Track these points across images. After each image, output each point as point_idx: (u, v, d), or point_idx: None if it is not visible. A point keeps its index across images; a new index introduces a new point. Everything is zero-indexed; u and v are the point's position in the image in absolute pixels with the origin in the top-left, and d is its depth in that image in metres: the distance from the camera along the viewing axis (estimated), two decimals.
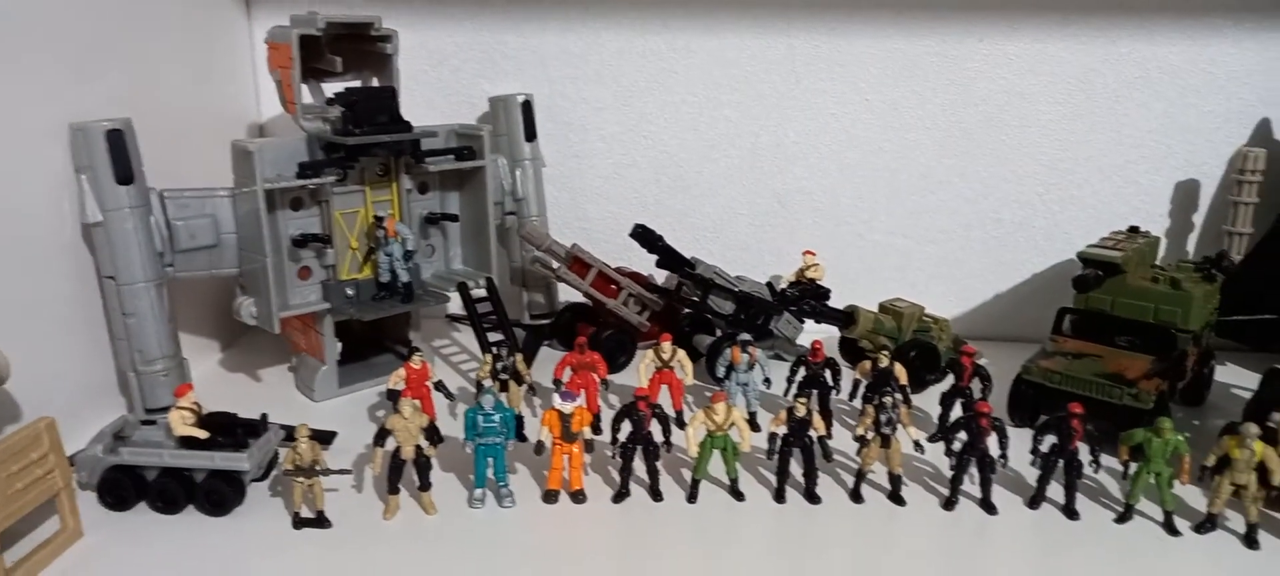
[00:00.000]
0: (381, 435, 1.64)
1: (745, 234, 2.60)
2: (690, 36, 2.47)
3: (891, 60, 2.44)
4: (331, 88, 2.05)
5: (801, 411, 1.69)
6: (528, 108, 2.44)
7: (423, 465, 1.65)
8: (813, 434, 1.70)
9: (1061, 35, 2.38)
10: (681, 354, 1.98)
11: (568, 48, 2.50)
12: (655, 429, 1.70)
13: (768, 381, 1.99)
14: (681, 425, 1.83)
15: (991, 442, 1.69)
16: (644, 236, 2.20)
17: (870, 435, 1.70)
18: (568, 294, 2.48)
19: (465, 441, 1.68)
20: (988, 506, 1.69)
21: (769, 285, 2.36)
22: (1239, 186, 2.31)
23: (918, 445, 1.74)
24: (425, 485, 1.66)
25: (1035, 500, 1.71)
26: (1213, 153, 2.39)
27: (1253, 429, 1.58)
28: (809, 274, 2.41)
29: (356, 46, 2.09)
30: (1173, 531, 1.63)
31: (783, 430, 1.70)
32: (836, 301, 2.36)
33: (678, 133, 2.55)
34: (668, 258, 2.24)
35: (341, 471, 1.65)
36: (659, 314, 2.39)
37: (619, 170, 2.59)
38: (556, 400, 1.67)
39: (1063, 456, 1.67)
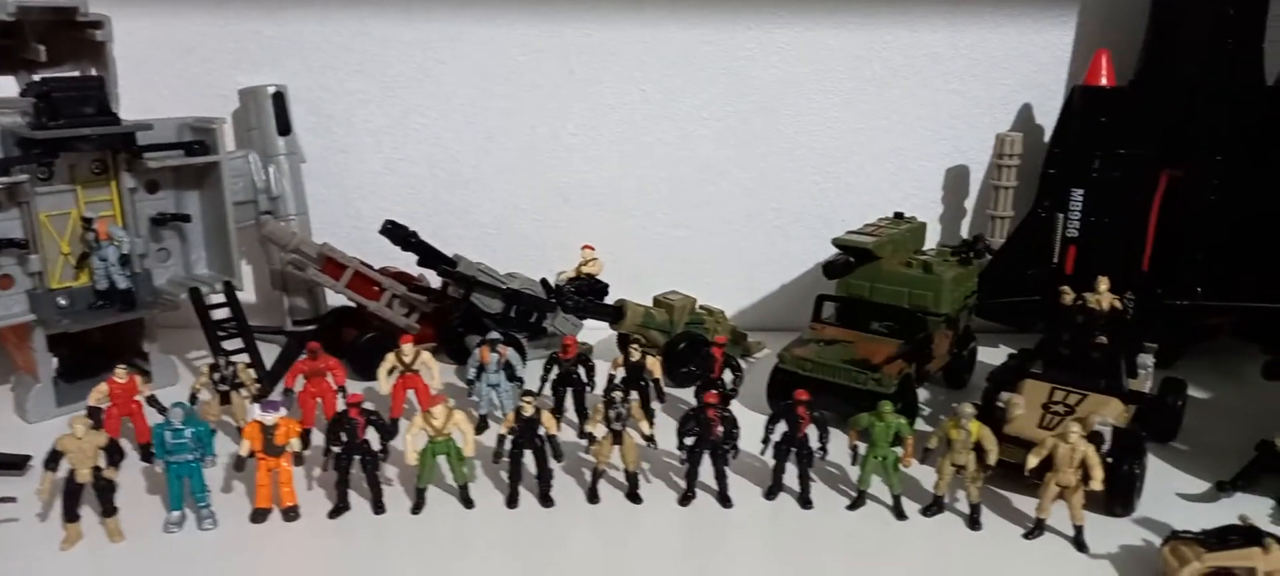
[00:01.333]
0: (53, 457, 1.48)
1: (528, 229, 2.52)
2: (459, 25, 2.36)
3: (665, 49, 2.40)
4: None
5: (530, 411, 1.61)
6: (280, 100, 2.30)
7: (103, 488, 1.50)
8: (543, 433, 1.63)
9: (829, 23, 2.38)
10: (426, 356, 1.88)
11: (329, 37, 2.36)
12: (373, 435, 1.61)
13: (519, 380, 1.91)
14: None
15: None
16: (394, 233, 2.09)
17: (599, 432, 1.64)
18: (337, 297, 2.35)
19: (155, 459, 1.54)
20: (723, 499, 1.66)
21: (543, 281, 2.29)
22: (999, 170, 2.36)
23: (649, 439, 1.69)
24: (108, 510, 1.51)
25: (771, 491, 1.68)
26: (978, 138, 2.43)
27: (967, 409, 1.59)
28: (587, 269, 2.35)
29: (69, 34, 1.92)
30: (900, 515, 1.63)
31: (511, 431, 1.62)
32: (624, 295, 2.31)
33: (451, 126, 2.44)
34: (426, 255, 2.13)
35: (4, 499, 1.48)
36: (431, 315, 2.29)
37: (390, 165, 2.46)
38: (256, 410, 1.55)
39: (792, 445, 1.65)
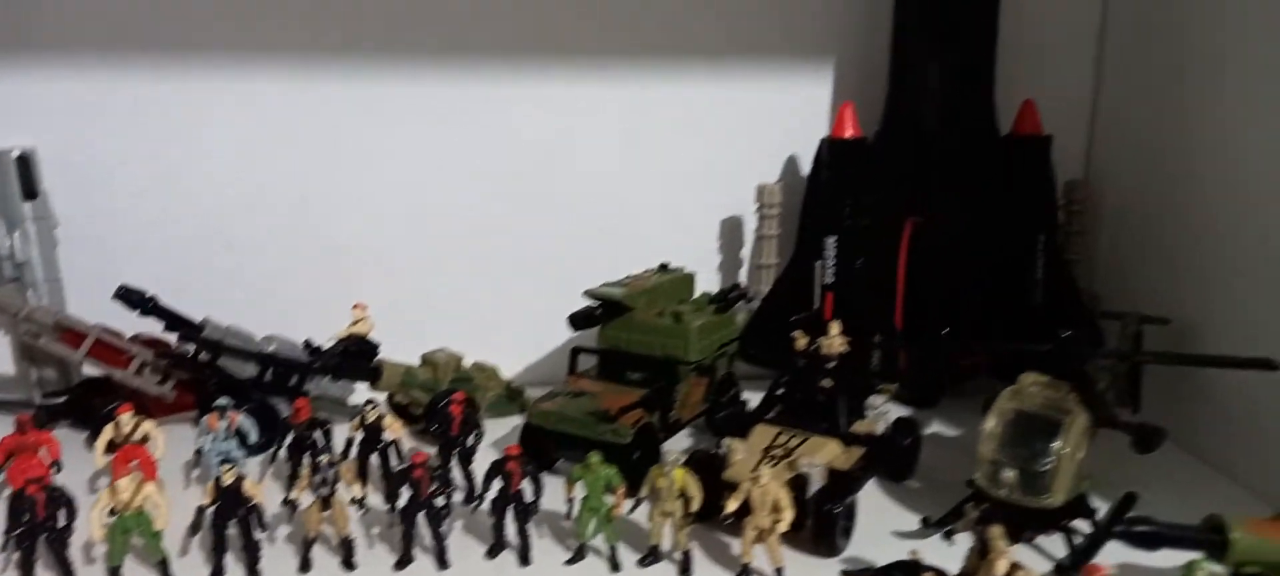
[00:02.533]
0: None
1: (304, 290, 2.46)
2: (220, 83, 2.32)
3: (436, 105, 2.41)
4: None
5: (230, 480, 1.57)
6: (25, 163, 2.21)
7: None
8: (249, 503, 1.59)
9: (601, 79, 2.43)
10: (148, 426, 1.82)
11: (81, 96, 2.29)
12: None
13: (249, 448, 1.86)
14: None
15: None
16: (128, 298, 2.03)
17: (303, 499, 1.60)
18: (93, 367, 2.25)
19: None
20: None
21: (306, 343, 2.25)
22: (762, 220, 2.44)
23: (358, 503, 1.67)
24: None
25: (493, 548, 1.68)
26: (747, 189, 2.50)
27: (671, 457, 1.62)
28: (356, 328, 2.31)
29: None
30: (615, 566, 1.64)
31: (211, 502, 1.57)
32: (406, 353, 2.28)
33: (216, 185, 2.39)
34: (167, 319, 2.07)
35: None
36: (188, 383, 2.22)
37: (154, 226, 2.39)
38: None
39: (508, 501, 1.65)
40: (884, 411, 2.01)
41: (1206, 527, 1.37)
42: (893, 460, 1.95)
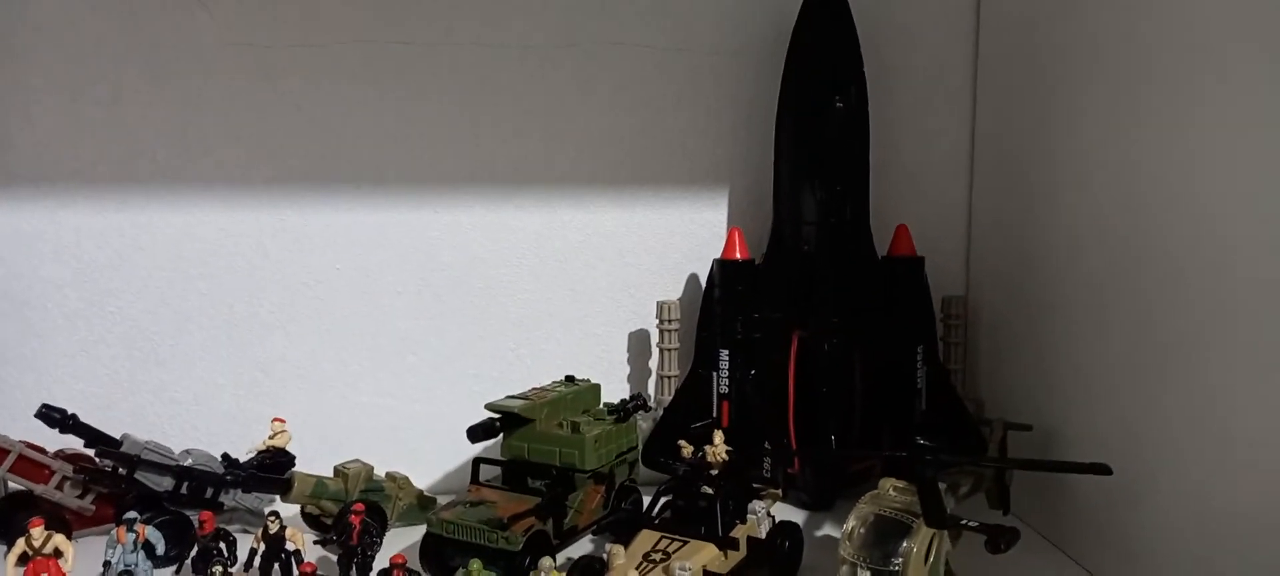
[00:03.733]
0: None
1: (230, 405, 2.59)
2: (152, 213, 2.50)
3: (357, 231, 2.58)
4: None
5: None
6: None
7: None
8: None
9: (511, 206, 2.63)
10: (59, 539, 1.90)
11: (19, 226, 2.45)
12: None
13: (157, 559, 1.95)
14: None
15: None
16: (49, 417, 2.14)
17: None
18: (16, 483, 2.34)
19: None
20: None
21: (224, 456, 2.35)
22: (663, 333, 2.60)
23: None
24: None
25: None
26: (651, 306, 2.68)
27: (546, 563, 1.73)
28: (274, 442, 2.42)
29: None
30: None
31: None
32: (328, 466, 2.38)
33: (148, 308, 2.53)
34: (86, 436, 2.18)
35: None
36: (108, 497, 2.31)
37: (86, 347, 2.52)
38: None
39: None
40: (765, 516, 2.14)
41: None
42: (774, 562, 2.07)
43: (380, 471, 2.42)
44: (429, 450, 2.62)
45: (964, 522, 1.94)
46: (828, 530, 2.38)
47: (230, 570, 1.77)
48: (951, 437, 2.41)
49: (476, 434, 2.15)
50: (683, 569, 1.83)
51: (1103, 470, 1.88)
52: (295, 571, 1.96)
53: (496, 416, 2.21)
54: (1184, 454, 1.85)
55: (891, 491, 1.94)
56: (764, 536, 2.10)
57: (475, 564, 1.74)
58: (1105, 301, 2.11)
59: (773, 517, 2.16)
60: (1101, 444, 2.07)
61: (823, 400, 2.45)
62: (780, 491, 2.28)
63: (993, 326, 2.63)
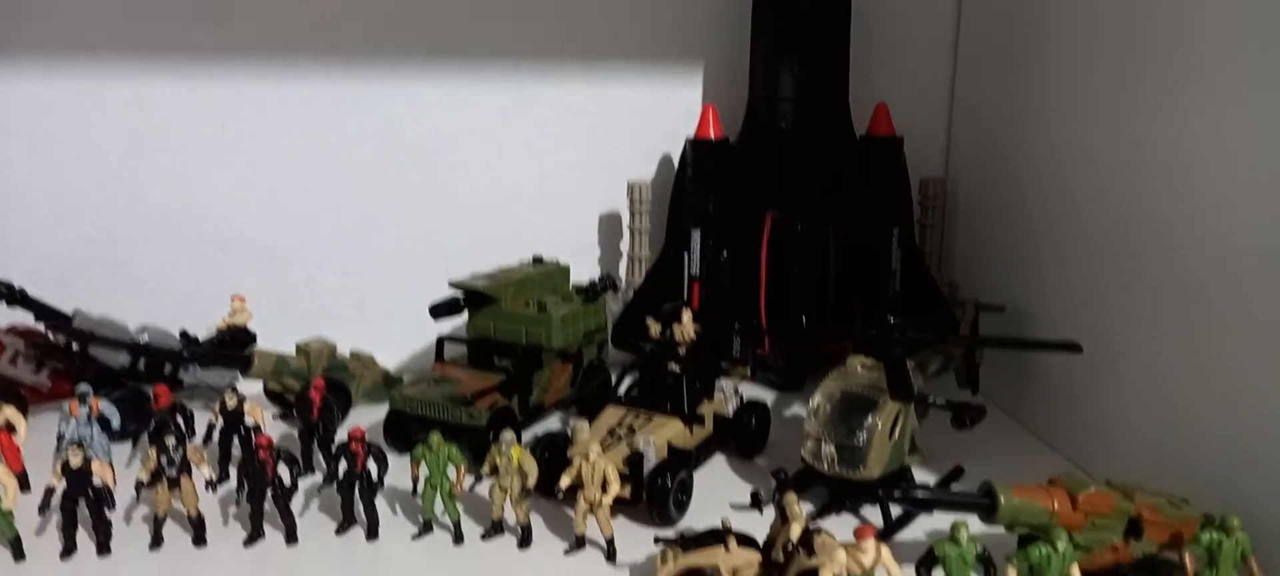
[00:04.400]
0: None
1: (188, 283, 2.52)
2: (102, 82, 2.38)
3: (318, 105, 2.48)
4: None
5: (77, 461, 1.63)
6: None
7: None
8: (97, 482, 1.65)
9: (476, 80, 2.53)
10: (10, 411, 1.86)
11: None
12: None
13: (113, 434, 1.92)
14: None
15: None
16: None
17: (148, 479, 1.67)
18: None
19: None
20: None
21: (182, 333, 2.30)
22: (634, 215, 2.54)
23: (209, 484, 1.74)
24: None
25: (342, 525, 1.76)
26: (622, 186, 2.61)
27: (507, 436, 1.71)
28: (235, 320, 2.37)
29: None
30: (458, 538, 1.73)
31: (60, 483, 1.64)
32: (292, 345, 2.35)
33: (101, 182, 2.44)
34: (37, 311, 2.12)
35: None
36: (65, 372, 2.26)
37: (36, 225, 2.43)
38: None
39: (354, 479, 1.73)
40: (733, 394, 2.12)
41: (979, 492, 1.49)
42: (740, 439, 2.07)
43: (344, 351, 2.39)
44: (394, 330, 2.57)
45: (931, 400, 1.93)
46: (796, 409, 2.37)
47: (188, 443, 1.73)
48: (924, 319, 2.39)
49: (439, 311, 2.11)
50: (646, 442, 1.82)
51: (1073, 348, 1.87)
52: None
53: (460, 294, 2.17)
54: (1153, 335, 1.83)
55: (859, 368, 1.92)
56: (731, 414, 2.09)
57: (436, 436, 1.71)
58: (1081, 187, 2.06)
59: (740, 396, 2.15)
60: (1072, 325, 2.05)
61: (794, 281, 2.41)
62: (749, 371, 2.26)
63: (970, 209, 2.59)
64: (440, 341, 2.19)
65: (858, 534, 1.37)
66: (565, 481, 1.68)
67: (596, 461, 1.65)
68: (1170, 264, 1.76)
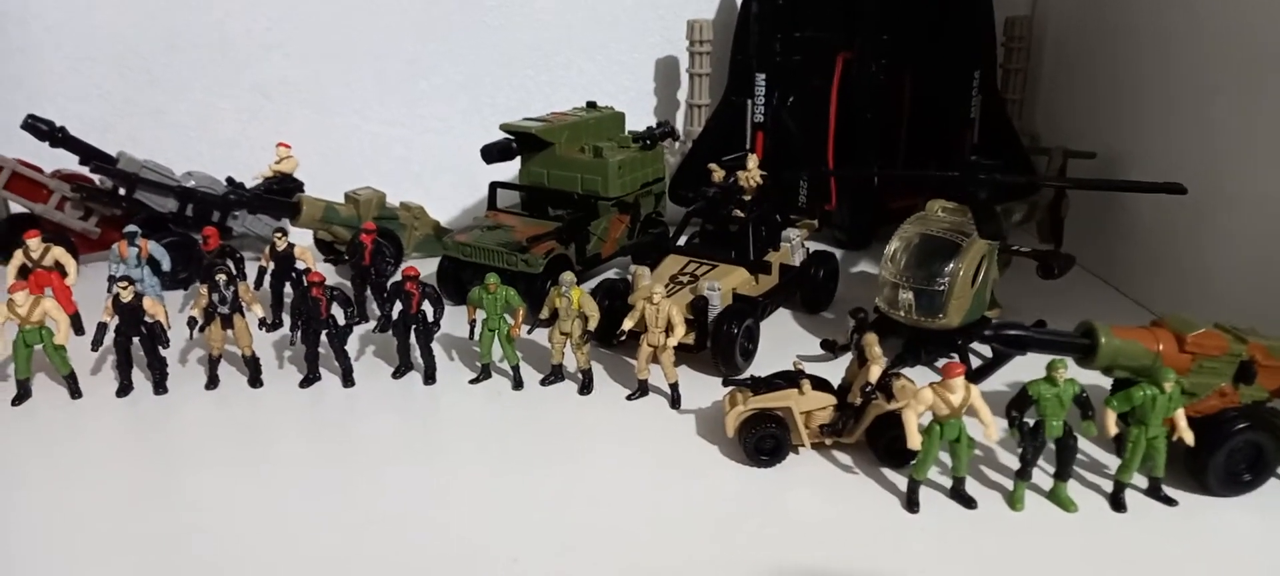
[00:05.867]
0: None
1: (233, 130, 2.45)
2: None
3: None
4: None
5: (128, 297, 1.58)
6: None
7: None
8: (149, 320, 1.61)
9: None
10: (58, 251, 1.81)
11: None
12: None
13: (163, 277, 1.87)
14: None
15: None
16: (35, 128, 2.00)
17: (201, 317, 1.62)
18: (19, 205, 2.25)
19: None
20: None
21: (228, 180, 2.23)
22: (693, 57, 2.39)
23: (262, 323, 1.69)
24: None
25: (399, 369, 1.70)
26: (680, 27, 2.44)
27: (567, 277, 1.62)
28: (281, 167, 2.31)
29: None
30: (517, 384, 1.66)
31: (112, 320, 1.60)
32: (339, 194, 2.27)
33: (134, 20, 2.34)
34: (80, 151, 2.05)
35: None
36: (114, 219, 2.22)
37: (75, 66, 2.35)
38: None
39: (410, 322, 1.67)
40: (800, 245, 2.01)
41: (1077, 332, 1.39)
42: (808, 290, 1.97)
43: (393, 201, 2.31)
44: (443, 182, 2.49)
45: (1015, 248, 1.81)
46: (864, 266, 2.26)
47: (239, 282, 1.67)
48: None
49: (492, 154, 2.01)
50: (712, 288, 1.72)
51: (1178, 189, 1.72)
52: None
53: (512, 138, 2.06)
54: (1268, 175, 1.68)
55: (940, 212, 1.79)
56: (798, 265, 1.99)
57: (493, 277, 1.63)
58: (1179, 21, 1.87)
59: (807, 248, 2.04)
60: (1172, 170, 1.89)
61: (866, 128, 2.26)
62: (816, 221, 2.14)
63: (1059, 52, 2.39)
64: (493, 187, 2.10)
65: (946, 371, 1.27)
66: (628, 324, 1.60)
67: (660, 303, 1.57)
68: (1269, 96, 1.59)
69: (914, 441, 1.29)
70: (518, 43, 2.45)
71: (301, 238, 2.12)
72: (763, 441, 1.42)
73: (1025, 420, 1.31)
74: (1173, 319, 1.39)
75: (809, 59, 2.27)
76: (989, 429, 1.29)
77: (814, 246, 2.10)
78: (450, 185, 2.50)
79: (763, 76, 2.28)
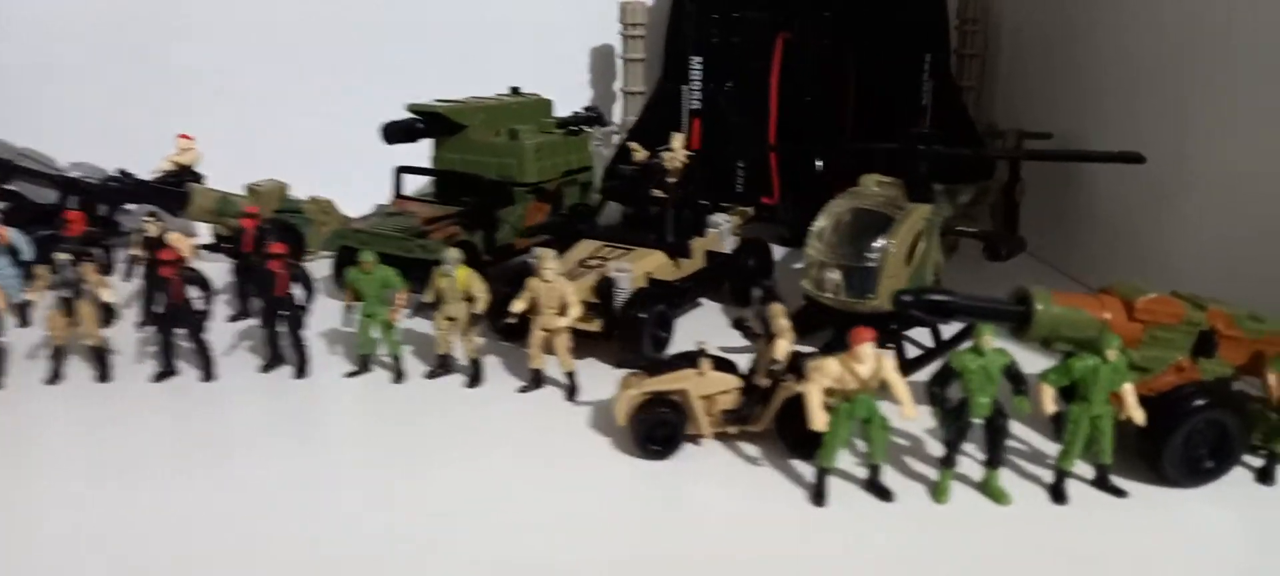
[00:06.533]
0: None
1: (138, 119, 2.27)
2: None
3: None
4: None
5: None
6: None
7: None
8: None
9: None
10: None
11: None
12: None
13: (23, 265, 1.71)
14: None
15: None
16: None
17: (42, 302, 1.45)
18: None
19: None
20: (207, 373, 1.50)
21: (122, 172, 2.07)
22: (626, 42, 2.24)
23: (110, 310, 1.52)
24: None
25: (267, 364, 1.52)
26: (613, 10, 2.29)
27: (452, 254, 1.46)
28: (182, 159, 2.14)
29: None
30: (399, 377, 1.48)
31: None
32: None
33: (31, 8, 2.20)
34: None
35: None
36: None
37: None
38: None
39: (275, 307, 1.49)
40: (729, 232, 1.84)
41: (1012, 299, 1.21)
42: (739, 281, 1.79)
43: (304, 195, 2.14)
44: (358, 177, 2.27)
45: (959, 228, 1.65)
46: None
47: (87, 262, 1.49)
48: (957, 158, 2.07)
49: (393, 133, 1.84)
50: (621, 269, 1.55)
51: (1135, 158, 1.56)
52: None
53: (419, 118, 1.90)
54: (1218, 159, 1.52)
55: (874, 186, 1.62)
56: (726, 251, 1.82)
57: (368, 254, 1.46)
58: (1134, 9, 1.74)
59: (739, 236, 1.87)
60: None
61: (809, 112, 2.10)
62: (751, 210, 1.98)
63: (1015, 36, 2.24)
64: (398, 171, 1.93)
65: (853, 337, 1.10)
66: (518, 305, 1.42)
67: (554, 282, 1.40)
68: (1231, 73, 1.44)
69: (818, 420, 1.11)
70: (440, 24, 2.31)
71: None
72: (654, 428, 1.24)
73: (947, 397, 1.14)
74: (1122, 284, 1.22)
75: (747, 41, 2.11)
76: (906, 407, 1.11)
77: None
78: (368, 180, 2.32)
79: (698, 60, 2.13)
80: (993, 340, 1.10)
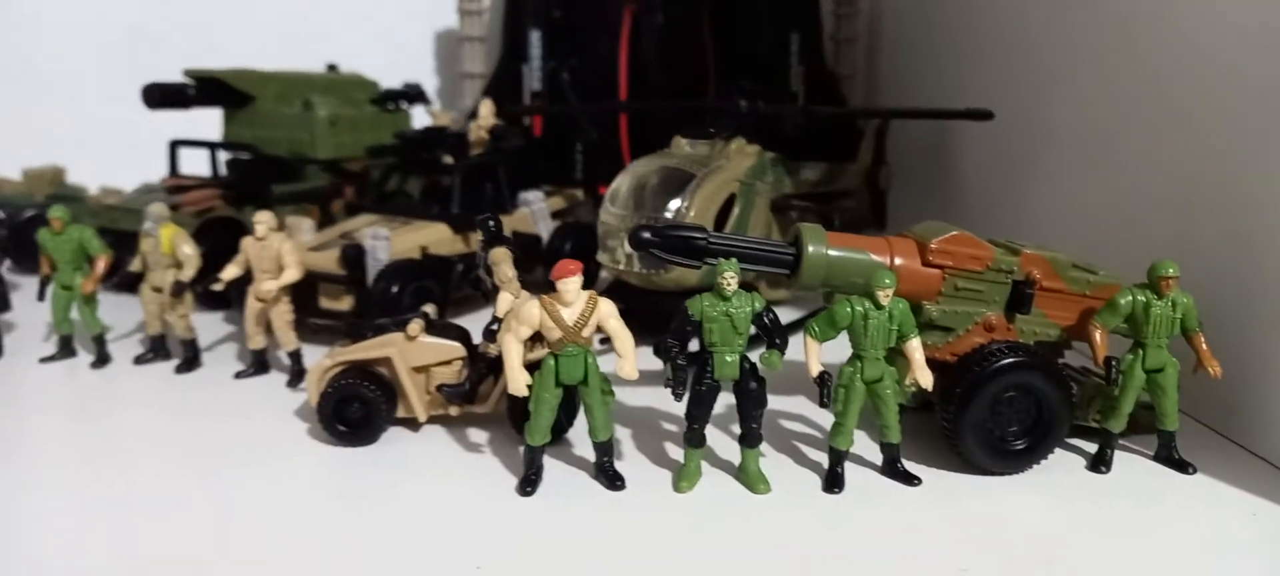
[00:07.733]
0: None
1: None
2: None
3: None
4: None
5: None
6: None
7: None
8: None
9: None
10: None
11: None
12: None
13: None
14: None
15: None
16: None
17: None
18: None
19: None
20: None
21: None
22: (464, 18, 2.03)
23: None
24: None
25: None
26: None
27: (156, 209, 1.21)
28: None
29: None
30: (101, 361, 1.22)
31: None
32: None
33: None
34: None
35: None
36: None
37: None
38: None
39: None
40: (546, 214, 1.61)
41: (785, 239, 0.98)
42: (545, 256, 1.55)
43: (94, 185, 1.89)
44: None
45: (793, 197, 1.44)
46: None
47: None
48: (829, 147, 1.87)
49: (153, 97, 1.60)
50: (377, 236, 1.31)
51: (983, 115, 1.36)
52: None
53: (192, 84, 1.67)
54: (1106, 115, 1.31)
55: (686, 146, 1.40)
56: (541, 234, 1.59)
57: (59, 210, 1.22)
58: None
59: (559, 220, 1.64)
60: (1009, 135, 1.53)
61: (658, 93, 1.88)
62: (580, 194, 1.75)
63: (898, 21, 2.04)
64: (174, 145, 1.69)
65: (556, 271, 0.86)
66: (229, 271, 1.17)
67: (269, 238, 1.15)
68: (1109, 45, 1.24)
69: (516, 382, 0.87)
70: (273, 14, 2.10)
71: None
72: (342, 406, 0.99)
73: (681, 351, 0.89)
74: (923, 226, 0.99)
75: (593, 15, 1.91)
76: (626, 361, 0.87)
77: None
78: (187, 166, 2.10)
79: (537, 34, 1.92)
80: (736, 278, 0.87)
